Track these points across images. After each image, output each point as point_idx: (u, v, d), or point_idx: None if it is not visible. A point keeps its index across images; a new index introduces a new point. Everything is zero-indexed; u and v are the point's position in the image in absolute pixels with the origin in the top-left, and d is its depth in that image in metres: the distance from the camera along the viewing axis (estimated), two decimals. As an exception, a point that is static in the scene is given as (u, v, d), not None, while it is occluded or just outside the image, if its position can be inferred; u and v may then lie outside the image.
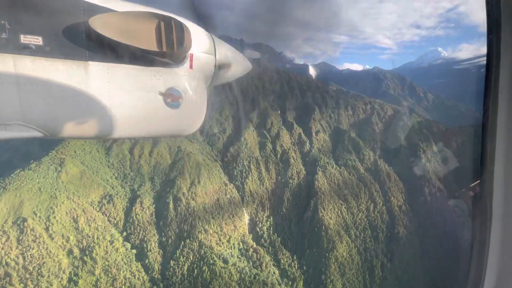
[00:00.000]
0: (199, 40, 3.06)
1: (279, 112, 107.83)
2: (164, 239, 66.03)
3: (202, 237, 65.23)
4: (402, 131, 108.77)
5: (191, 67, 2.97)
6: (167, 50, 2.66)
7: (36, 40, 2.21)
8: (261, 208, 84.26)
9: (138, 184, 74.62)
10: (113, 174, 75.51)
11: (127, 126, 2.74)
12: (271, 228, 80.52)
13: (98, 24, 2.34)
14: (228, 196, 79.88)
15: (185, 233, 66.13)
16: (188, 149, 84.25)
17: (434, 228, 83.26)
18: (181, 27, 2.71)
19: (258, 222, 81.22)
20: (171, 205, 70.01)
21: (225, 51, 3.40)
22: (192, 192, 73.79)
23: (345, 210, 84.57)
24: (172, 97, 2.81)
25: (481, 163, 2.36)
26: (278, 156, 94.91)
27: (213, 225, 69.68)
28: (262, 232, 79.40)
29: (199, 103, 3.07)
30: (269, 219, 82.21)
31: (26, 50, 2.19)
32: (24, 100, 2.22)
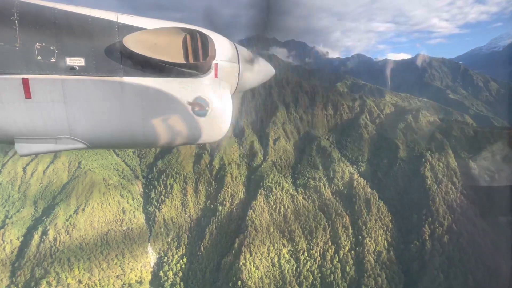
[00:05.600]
0: (223, 50, 3.15)
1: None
2: (13, 286, 50.83)
3: (46, 290, 48.06)
4: (403, 136, 75.45)
5: (215, 76, 3.07)
6: (193, 62, 2.80)
7: (79, 61, 2.45)
8: (175, 243, 63.67)
9: (16, 210, 61.54)
10: (-5, 196, 63.94)
11: (159, 135, 2.89)
12: (180, 274, 59.28)
13: (131, 42, 2.54)
14: (125, 228, 61.48)
15: (33, 282, 49.82)
16: (90, 165, 68.49)
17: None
18: (205, 39, 2.84)
19: (164, 264, 60.89)
20: (34, 240, 54.84)
21: (248, 59, 3.45)
22: (70, 223, 57.51)
23: (286, 255, 58.24)
24: (199, 106, 2.89)
25: None
26: (214, 172, 72.80)
27: (79, 271, 52.00)
28: (166, 278, 58.77)
29: (224, 111, 3.08)
30: (181, 260, 61.10)
31: (71, 71, 2.43)
32: (71, 116, 2.50)
